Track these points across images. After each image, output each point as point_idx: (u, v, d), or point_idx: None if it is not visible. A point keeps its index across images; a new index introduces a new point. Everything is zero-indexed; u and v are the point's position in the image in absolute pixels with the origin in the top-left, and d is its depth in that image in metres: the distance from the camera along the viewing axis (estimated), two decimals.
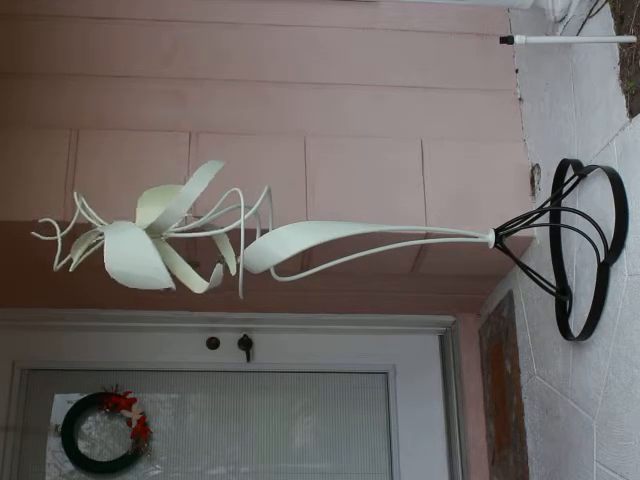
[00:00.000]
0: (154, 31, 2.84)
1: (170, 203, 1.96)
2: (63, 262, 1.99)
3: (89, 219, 2.00)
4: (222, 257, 2.09)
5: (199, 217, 2.07)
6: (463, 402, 3.15)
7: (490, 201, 2.68)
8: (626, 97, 2.12)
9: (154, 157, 2.64)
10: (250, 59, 2.83)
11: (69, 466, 3.11)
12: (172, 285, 1.94)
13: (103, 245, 1.95)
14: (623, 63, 2.15)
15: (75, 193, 2.02)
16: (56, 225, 1.99)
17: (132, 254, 1.92)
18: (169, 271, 1.95)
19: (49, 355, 3.18)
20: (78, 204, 2.00)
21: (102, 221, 2.00)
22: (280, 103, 2.78)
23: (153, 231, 1.99)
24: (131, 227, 1.95)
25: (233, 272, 2.05)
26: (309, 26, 2.89)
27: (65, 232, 1.98)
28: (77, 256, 2.01)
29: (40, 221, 2.02)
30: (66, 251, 2.01)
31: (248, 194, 1.98)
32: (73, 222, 2.00)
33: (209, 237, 2.07)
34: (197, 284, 2.04)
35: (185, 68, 2.81)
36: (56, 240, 1.99)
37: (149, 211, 2.01)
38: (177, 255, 2.07)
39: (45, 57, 2.78)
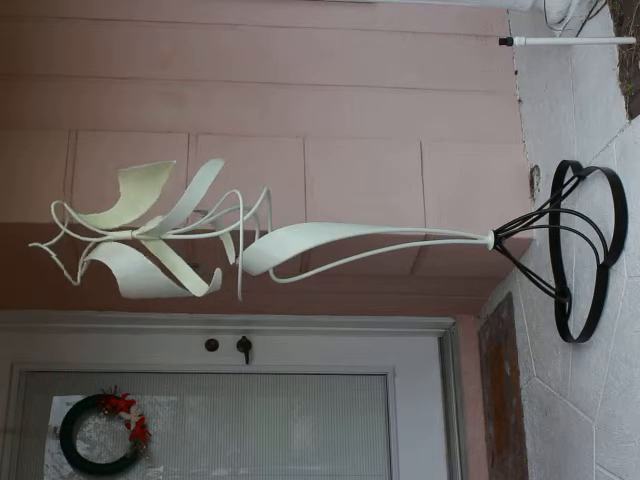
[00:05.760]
0: (153, 32, 2.83)
1: (173, 208, 1.97)
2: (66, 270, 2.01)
3: (67, 231, 2.00)
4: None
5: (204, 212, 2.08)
6: (462, 404, 3.15)
7: (489, 202, 2.68)
8: (625, 98, 2.12)
9: (153, 158, 2.59)
10: (249, 60, 2.83)
11: (68, 468, 3.10)
12: (188, 294, 1.99)
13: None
14: (622, 64, 2.14)
15: (53, 205, 2.00)
16: (48, 249, 2.00)
17: (145, 284, 1.98)
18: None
19: (48, 357, 3.17)
20: (54, 215, 1.99)
21: (84, 222, 2.00)
22: (279, 104, 2.77)
23: (153, 234, 1.99)
24: (131, 256, 1.96)
25: (232, 262, 2.08)
26: (308, 27, 2.89)
27: (53, 242, 1.98)
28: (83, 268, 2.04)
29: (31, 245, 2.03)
30: (66, 255, 2.01)
31: (247, 196, 1.98)
32: (61, 234, 2.00)
33: (208, 238, 2.06)
34: (196, 286, 2.04)
35: (184, 69, 2.81)
36: (57, 242, 1.99)
37: (134, 199, 2.02)
38: (177, 256, 2.08)
39: (44, 58, 2.77)
